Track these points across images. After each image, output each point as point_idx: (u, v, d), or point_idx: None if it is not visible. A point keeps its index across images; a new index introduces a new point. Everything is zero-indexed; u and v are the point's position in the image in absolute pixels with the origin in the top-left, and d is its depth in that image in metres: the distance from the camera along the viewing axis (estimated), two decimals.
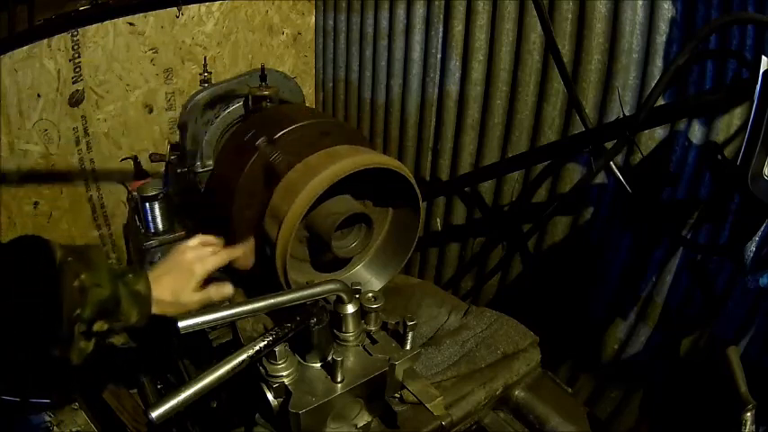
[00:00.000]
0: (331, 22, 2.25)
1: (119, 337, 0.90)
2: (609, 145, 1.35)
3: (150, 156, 1.84)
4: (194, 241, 1.05)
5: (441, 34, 1.84)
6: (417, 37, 1.91)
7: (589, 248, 1.60)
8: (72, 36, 1.81)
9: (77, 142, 1.97)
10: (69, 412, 1.46)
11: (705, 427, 1.35)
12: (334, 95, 2.35)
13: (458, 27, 1.77)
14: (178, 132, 1.75)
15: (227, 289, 1.03)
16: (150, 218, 1.65)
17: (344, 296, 0.88)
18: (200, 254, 1.01)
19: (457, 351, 1.12)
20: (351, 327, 0.90)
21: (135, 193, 1.70)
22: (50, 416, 1.44)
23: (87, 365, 0.85)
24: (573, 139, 1.53)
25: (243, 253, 1.08)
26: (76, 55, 1.84)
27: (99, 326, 0.84)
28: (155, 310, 0.92)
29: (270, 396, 0.83)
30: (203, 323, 0.75)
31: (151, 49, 1.99)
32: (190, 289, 0.98)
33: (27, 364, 0.81)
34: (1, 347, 0.76)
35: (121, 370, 1.59)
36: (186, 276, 0.98)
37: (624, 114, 1.35)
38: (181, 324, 0.73)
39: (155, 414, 0.65)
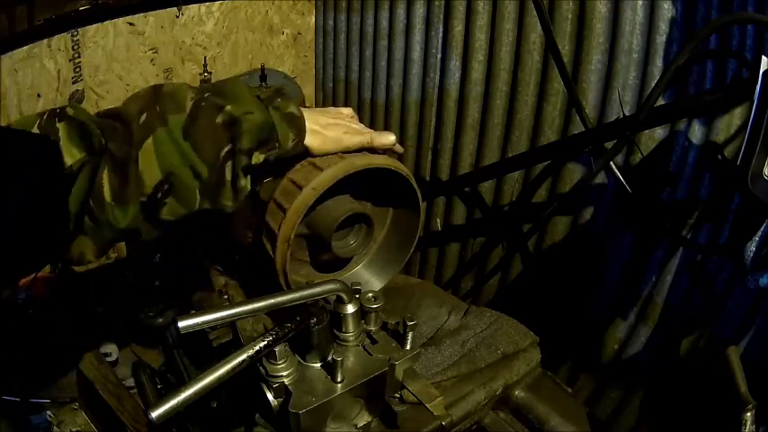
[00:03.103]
0: (331, 22, 2.25)
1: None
2: (609, 145, 1.35)
3: None
4: (349, 110, 1.00)
5: (441, 34, 1.84)
6: (417, 37, 1.91)
7: (589, 248, 1.60)
8: (72, 36, 1.81)
9: None
10: (69, 412, 1.46)
11: (705, 427, 1.35)
12: (334, 95, 2.35)
13: (458, 27, 1.77)
14: None
15: (389, 137, 0.97)
16: None
17: (344, 296, 0.88)
18: (352, 126, 0.96)
19: (457, 351, 1.12)
20: (351, 327, 0.90)
21: None
22: (50, 416, 1.44)
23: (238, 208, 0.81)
24: (573, 139, 1.53)
25: (383, 135, 0.99)
26: (76, 55, 1.84)
27: (256, 158, 0.80)
28: (308, 139, 0.87)
29: (270, 396, 0.83)
30: (203, 323, 0.75)
31: (151, 49, 1.99)
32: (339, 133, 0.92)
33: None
34: None
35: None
36: (333, 132, 0.92)
37: (624, 114, 1.35)
38: (181, 324, 0.73)
39: (155, 414, 0.64)
